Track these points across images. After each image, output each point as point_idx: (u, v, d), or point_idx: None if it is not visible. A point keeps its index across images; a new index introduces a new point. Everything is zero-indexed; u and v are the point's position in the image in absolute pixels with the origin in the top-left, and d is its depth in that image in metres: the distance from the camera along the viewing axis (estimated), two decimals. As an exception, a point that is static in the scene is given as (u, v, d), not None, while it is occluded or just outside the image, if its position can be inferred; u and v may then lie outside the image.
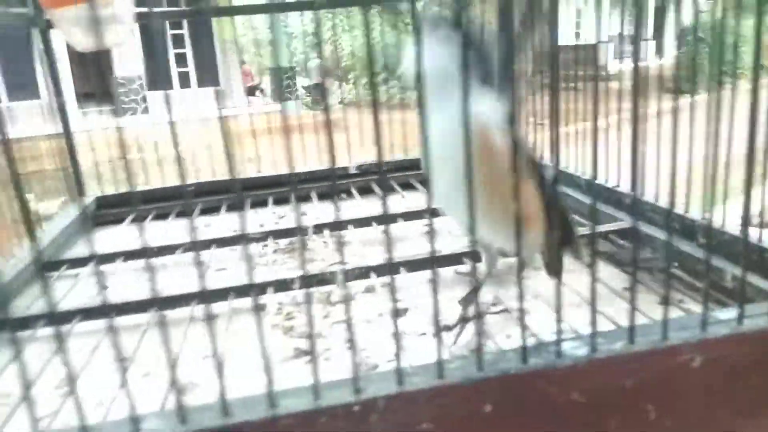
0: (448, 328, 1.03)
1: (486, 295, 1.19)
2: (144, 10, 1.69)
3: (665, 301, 0.81)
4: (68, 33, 1.64)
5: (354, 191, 1.97)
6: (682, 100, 0.96)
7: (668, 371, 0.79)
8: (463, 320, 1.03)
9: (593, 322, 0.79)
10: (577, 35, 12.55)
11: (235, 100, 12.33)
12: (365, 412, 0.74)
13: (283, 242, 1.62)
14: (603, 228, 1.36)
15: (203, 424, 0.71)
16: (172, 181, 2.05)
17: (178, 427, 0.71)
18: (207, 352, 1.09)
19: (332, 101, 11.31)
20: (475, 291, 0.99)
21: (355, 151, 2.12)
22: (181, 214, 1.85)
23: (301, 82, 12.72)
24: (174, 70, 12.30)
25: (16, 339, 0.70)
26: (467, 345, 1.02)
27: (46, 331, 1.17)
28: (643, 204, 1.36)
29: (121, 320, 1.19)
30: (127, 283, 1.36)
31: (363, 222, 1.63)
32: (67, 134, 1.89)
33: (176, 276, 1.36)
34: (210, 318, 0.71)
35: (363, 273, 1.28)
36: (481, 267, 1.04)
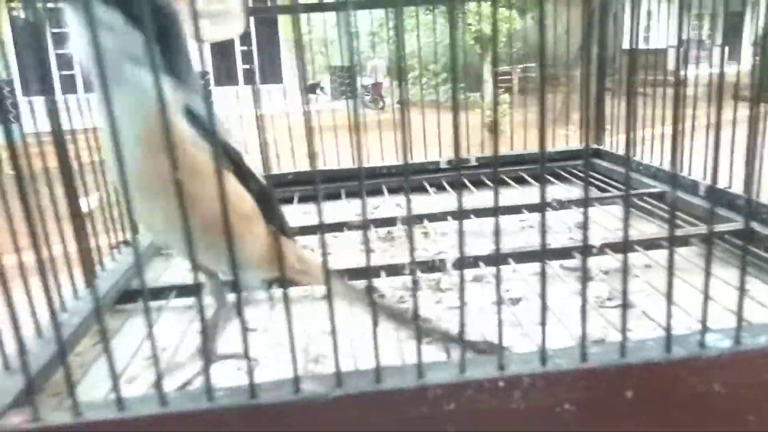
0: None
1: (602, 289, 1.19)
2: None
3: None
4: (186, 26, 1.74)
5: (445, 185, 2.01)
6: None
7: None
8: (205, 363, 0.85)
9: (739, 316, 0.79)
10: (646, 39, 12.15)
11: (296, 98, 12.57)
12: (510, 388, 0.76)
13: (382, 231, 1.67)
14: (718, 228, 1.34)
15: (359, 388, 0.76)
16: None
17: (335, 390, 0.75)
18: (328, 328, 1.15)
19: (390, 101, 11.45)
20: (207, 334, 0.83)
21: (415, 150, 2.15)
22: (283, 201, 1.93)
23: (362, 81, 12.89)
24: (239, 67, 12.67)
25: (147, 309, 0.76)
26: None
27: (176, 302, 1.25)
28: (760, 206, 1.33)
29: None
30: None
31: (461, 214, 1.65)
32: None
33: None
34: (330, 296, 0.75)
35: (471, 262, 1.30)
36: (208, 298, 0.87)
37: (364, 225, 0.83)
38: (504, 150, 2.37)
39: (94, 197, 1.34)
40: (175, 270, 1.45)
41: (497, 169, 0.77)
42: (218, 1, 1.83)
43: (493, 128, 0.76)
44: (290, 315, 0.74)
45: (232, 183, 0.77)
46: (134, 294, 1.27)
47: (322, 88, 14.18)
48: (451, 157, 2.14)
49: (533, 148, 2.22)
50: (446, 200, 1.90)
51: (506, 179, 2.00)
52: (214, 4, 1.83)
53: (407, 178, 0.74)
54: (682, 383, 0.78)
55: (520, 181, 2.01)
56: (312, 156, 0.69)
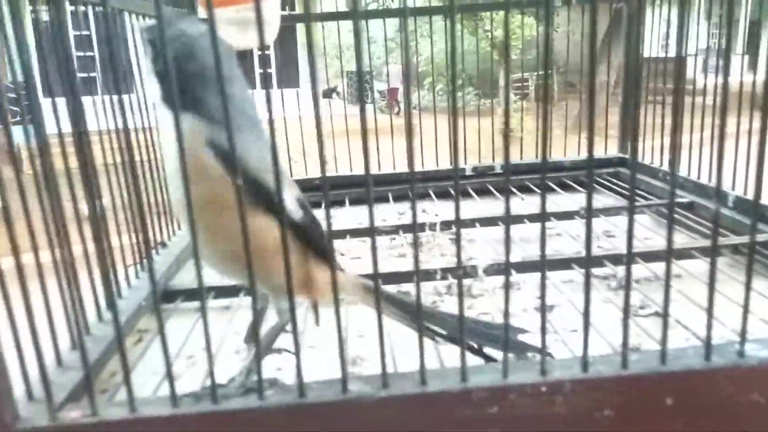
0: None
1: (635, 298, 1.20)
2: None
3: None
4: (224, 32, 1.78)
5: (471, 191, 2.03)
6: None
7: None
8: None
9: (778, 326, 0.81)
10: (665, 47, 12.10)
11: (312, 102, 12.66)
12: (552, 393, 0.78)
13: (410, 237, 1.69)
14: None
15: (404, 390, 0.78)
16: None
17: (381, 391, 0.77)
18: (361, 332, 1.17)
19: (406, 106, 11.46)
20: (257, 331, 0.87)
21: (429, 155, 2.17)
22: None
23: (378, 86, 12.96)
24: (257, 71, 12.79)
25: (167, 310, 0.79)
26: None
27: (213, 303, 1.28)
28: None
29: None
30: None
31: (488, 221, 1.67)
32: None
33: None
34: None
35: (502, 269, 1.32)
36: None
37: (372, 232, 0.84)
38: (518, 156, 2.39)
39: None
40: (211, 271, 1.48)
41: (508, 177, 0.79)
42: (248, 8, 1.85)
43: (506, 135, 0.79)
44: (339, 322, 0.77)
45: (259, 218, 0.80)
46: (173, 294, 1.31)
47: (338, 93, 14.28)
48: (475, 163, 2.16)
49: (556, 155, 2.23)
50: (473, 207, 1.92)
51: (531, 186, 2.01)
52: (244, 12, 1.86)
53: (413, 185, 0.76)
54: (721, 392, 0.79)
55: (548, 188, 2.02)
56: (323, 164, 0.72)
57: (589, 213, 0.76)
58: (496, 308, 1.23)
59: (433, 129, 2.13)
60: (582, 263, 1.33)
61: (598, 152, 2.33)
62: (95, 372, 0.99)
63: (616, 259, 1.33)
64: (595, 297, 1.23)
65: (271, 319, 0.93)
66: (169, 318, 1.24)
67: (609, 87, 2.87)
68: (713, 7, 1.77)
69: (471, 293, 1.30)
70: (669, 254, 0.77)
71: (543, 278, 0.78)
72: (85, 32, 1.44)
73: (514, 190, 1.99)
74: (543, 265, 0.78)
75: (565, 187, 2.04)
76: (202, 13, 1.86)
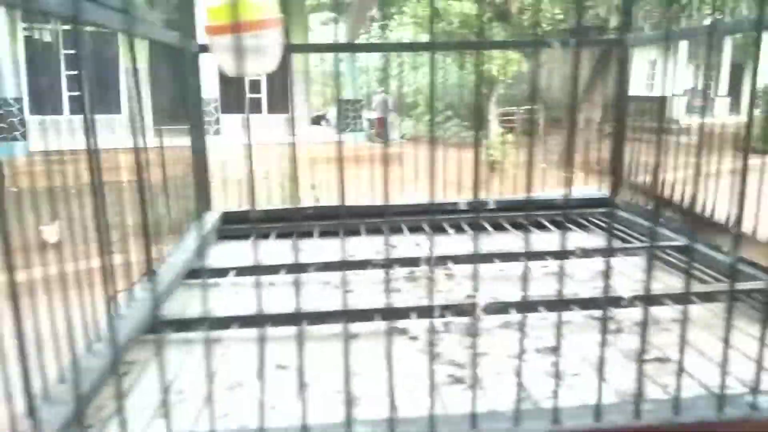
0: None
1: (635, 342, 1.19)
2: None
3: None
4: (222, 58, 1.77)
5: (464, 226, 2.02)
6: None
7: None
8: None
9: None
10: (650, 86, 12.48)
11: (302, 129, 12.72)
12: (563, 443, 0.76)
13: (403, 271, 1.67)
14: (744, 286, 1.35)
15: (412, 437, 0.75)
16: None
17: (387, 437, 0.75)
18: (359, 370, 1.14)
19: (394, 135, 11.60)
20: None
21: (410, 185, 2.17)
22: (303, 235, 1.94)
23: (367, 114, 13.05)
24: (246, 96, 12.84)
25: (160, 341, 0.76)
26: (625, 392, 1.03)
27: (202, 334, 1.24)
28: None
29: (276, 331, 1.25)
30: (271, 295, 1.43)
31: (483, 258, 1.66)
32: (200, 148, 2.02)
33: (313, 293, 1.42)
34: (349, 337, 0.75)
35: (502, 308, 1.30)
36: None
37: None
38: (504, 189, 2.39)
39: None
40: (196, 301, 1.44)
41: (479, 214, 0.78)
42: (252, 36, 1.85)
43: (493, 167, 0.78)
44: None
45: None
46: (162, 325, 1.26)
47: (327, 120, 14.34)
48: (468, 198, 2.16)
49: (536, 191, 2.24)
50: (468, 242, 1.90)
51: (524, 224, 2.01)
52: (248, 39, 1.86)
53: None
54: (733, 445, 0.78)
55: (538, 226, 2.03)
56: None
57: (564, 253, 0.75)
58: (494, 348, 1.21)
59: (418, 158, 2.12)
60: (582, 305, 1.32)
61: (593, 191, 2.35)
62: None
63: (613, 302, 1.32)
64: (594, 339, 1.21)
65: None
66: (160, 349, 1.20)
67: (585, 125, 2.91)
68: (698, 50, 1.82)
69: (470, 331, 1.28)
70: (686, 297, 0.76)
71: (559, 319, 0.76)
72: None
73: (507, 226, 1.99)
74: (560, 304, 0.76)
75: (559, 225, 2.04)
76: (207, 39, 1.85)
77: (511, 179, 2.29)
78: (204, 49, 1.89)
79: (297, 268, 1.58)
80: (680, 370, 0.77)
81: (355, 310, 1.26)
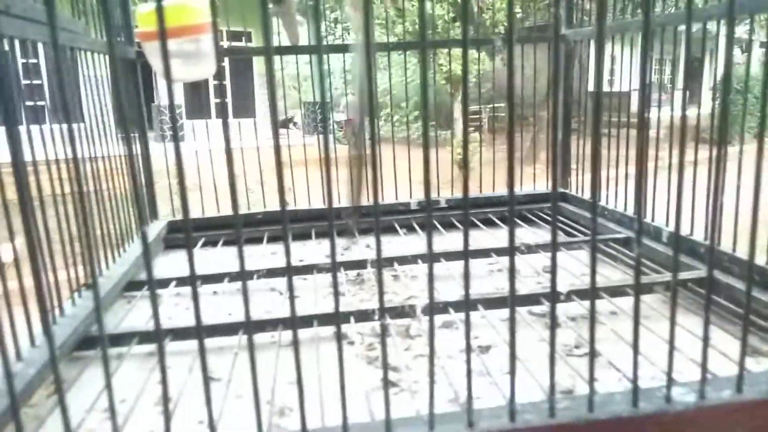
0: None
1: (569, 337, 1.20)
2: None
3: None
4: (155, 64, 1.74)
5: (415, 226, 2.02)
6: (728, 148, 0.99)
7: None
8: None
9: (703, 369, 0.80)
10: (611, 82, 12.66)
11: (269, 132, 12.63)
12: (478, 445, 0.75)
13: (351, 273, 1.66)
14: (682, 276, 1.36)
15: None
16: (213, 207, 2.10)
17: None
18: (292, 378, 1.12)
19: (363, 137, 11.58)
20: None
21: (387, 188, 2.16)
22: (251, 241, 1.91)
23: (336, 117, 13.01)
24: (212, 100, 12.69)
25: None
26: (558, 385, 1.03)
27: (137, 349, 1.21)
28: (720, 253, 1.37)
29: (212, 342, 1.23)
30: (209, 306, 1.40)
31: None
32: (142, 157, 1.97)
33: (254, 301, 1.40)
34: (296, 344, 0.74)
35: (441, 308, 1.30)
36: None
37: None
38: (474, 189, 2.40)
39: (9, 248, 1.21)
40: (137, 315, 1.41)
41: (430, 213, 0.77)
42: (191, 41, 1.82)
43: (463, 167, 0.77)
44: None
45: None
46: (94, 340, 1.23)
47: (294, 123, 14.26)
48: (422, 198, 2.16)
49: (501, 188, 2.25)
50: (417, 242, 1.90)
51: (475, 221, 2.02)
52: (187, 45, 1.83)
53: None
54: (648, 438, 0.78)
55: (489, 223, 2.03)
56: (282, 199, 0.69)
57: (512, 250, 0.75)
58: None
59: (389, 160, 2.12)
60: (520, 301, 1.32)
61: (543, 183, 2.36)
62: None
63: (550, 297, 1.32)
64: (531, 336, 1.22)
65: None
66: (88, 366, 1.16)
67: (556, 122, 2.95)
68: (654, 44, 1.84)
69: (409, 333, 1.27)
70: (593, 291, 0.76)
71: (467, 318, 0.75)
72: (32, 60, 1.38)
73: (457, 224, 1.99)
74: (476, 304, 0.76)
75: (506, 221, 2.05)
76: (142, 46, 1.81)
77: (477, 177, 2.30)
78: (142, 55, 1.86)
79: (240, 275, 1.57)
80: (591, 363, 0.77)
81: (287, 318, 1.24)
